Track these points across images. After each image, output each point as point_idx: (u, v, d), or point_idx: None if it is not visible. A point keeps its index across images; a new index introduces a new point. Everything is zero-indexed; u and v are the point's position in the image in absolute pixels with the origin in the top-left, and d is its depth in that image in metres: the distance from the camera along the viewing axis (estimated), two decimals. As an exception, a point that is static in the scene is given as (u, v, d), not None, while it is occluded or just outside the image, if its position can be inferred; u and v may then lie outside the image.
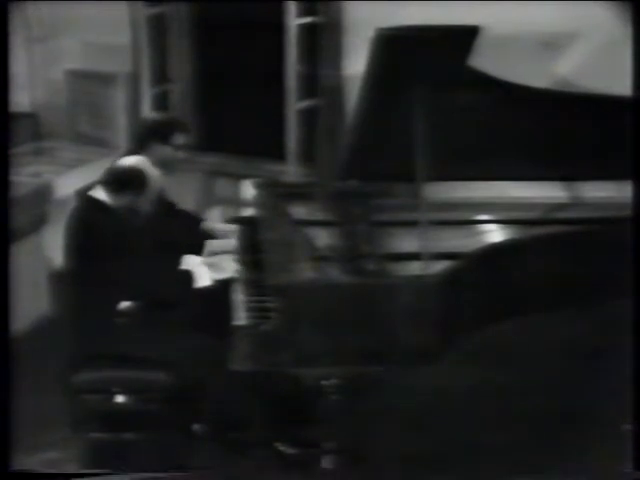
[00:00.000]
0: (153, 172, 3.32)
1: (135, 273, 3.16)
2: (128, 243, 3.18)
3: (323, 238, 3.29)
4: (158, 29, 5.34)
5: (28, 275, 4.19)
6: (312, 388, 2.93)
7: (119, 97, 5.36)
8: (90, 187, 3.37)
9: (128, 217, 3.25)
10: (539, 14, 4.05)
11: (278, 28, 4.87)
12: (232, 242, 3.56)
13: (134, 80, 5.34)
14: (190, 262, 3.37)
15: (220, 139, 5.28)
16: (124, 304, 3.27)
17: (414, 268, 2.96)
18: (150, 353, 3.17)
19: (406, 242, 3.19)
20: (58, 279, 4.43)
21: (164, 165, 3.57)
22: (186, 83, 5.45)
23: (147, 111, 5.37)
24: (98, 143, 5.39)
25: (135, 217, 3.27)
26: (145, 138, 3.63)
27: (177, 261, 3.38)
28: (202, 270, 3.27)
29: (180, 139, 3.65)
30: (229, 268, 3.27)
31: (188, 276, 3.25)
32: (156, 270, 3.25)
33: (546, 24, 4.12)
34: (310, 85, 4.89)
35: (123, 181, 3.25)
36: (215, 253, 3.53)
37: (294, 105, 4.96)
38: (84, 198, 3.34)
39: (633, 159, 2.91)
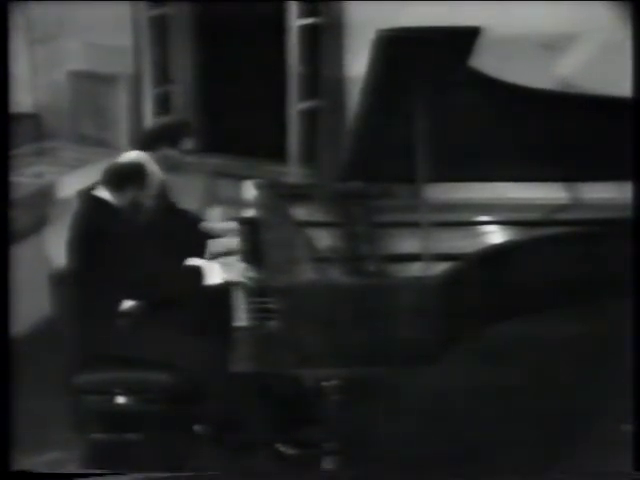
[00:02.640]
0: (153, 167, 3.32)
1: (139, 271, 3.16)
2: (131, 241, 3.19)
3: (324, 239, 3.29)
4: (160, 30, 5.34)
5: (29, 276, 4.19)
6: (313, 389, 2.94)
7: (121, 98, 5.37)
8: (92, 187, 3.38)
9: (130, 214, 3.25)
10: (540, 15, 4.05)
11: (280, 29, 4.88)
12: (233, 242, 3.57)
13: (136, 81, 5.35)
14: (196, 261, 3.37)
15: (221, 140, 5.28)
16: (127, 304, 3.27)
17: (415, 269, 2.96)
18: (152, 354, 3.18)
19: (407, 243, 3.19)
20: (60, 279, 4.43)
21: (170, 167, 3.57)
22: (188, 84, 5.45)
23: (149, 112, 5.38)
24: (100, 144, 5.39)
25: (137, 214, 3.27)
26: (154, 140, 3.64)
27: (181, 259, 3.37)
28: (214, 267, 3.27)
29: (188, 143, 3.65)
30: (238, 269, 3.27)
31: (198, 272, 3.24)
32: (160, 268, 3.24)
33: (547, 25, 4.12)
34: (311, 86, 4.89)
35: (123, 177, 3.25)
36: (218, 254, 3.53)
37: (295, 106, 4.96)
38: (86, 197, 3.34)
39: (633, 160, 2.91)
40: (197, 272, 3.24)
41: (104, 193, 3.27)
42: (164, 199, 3.55)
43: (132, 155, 3.37)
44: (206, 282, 3.22)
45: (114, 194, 3.25)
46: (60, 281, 4.32)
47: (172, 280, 3.27)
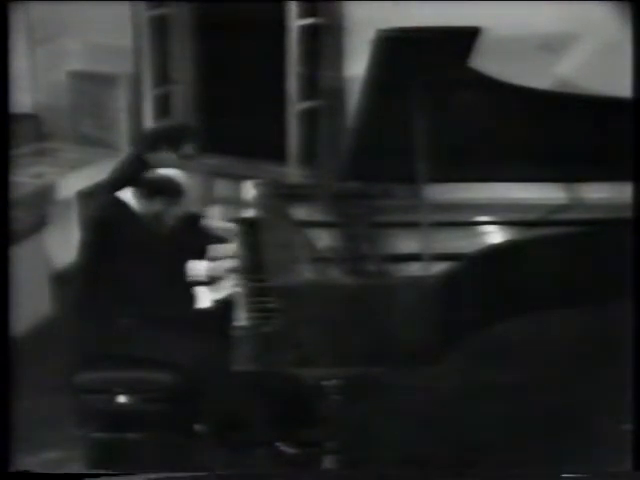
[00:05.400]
0: (187, 187, 3.35)
1: (145, 281, 3.17)
2: (144, 249, 3.19)
3: (324, 239, 3.30)
4: (160, 30, 5.34)
5: (29, 276, 4.20)
6: (313, 388, 2.94)
7: (121, 98, 5.37)
8: (115, 188, 3.40)
9: (152, 224, 3.28)
10: (539, 15, 4.06)
11: (279, 29, 4.88)
12: (233, 243, 3.57)
13: (136, 81, 5.35)
14: (196, 268, 3.38)
15: (221, 140, 5.28)
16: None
17: (415, 269, 2.96)
18: (153, 354, 3.18)
19: (407, 243, 3.19)
20: (66, 276, 4.44)
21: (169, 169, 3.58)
22: (187, 84, 5.45)
23: (149, 112, 5.38)
24: (100, 144, 5.39)
25: (158, 226, 3.29)
26: (154, 143, 3.64)
27: (186, 275, 3.37)
28: (202, 292, 3.28)
29: (189, 148, 3.65)
30: (228, 287, 3.28)
31: (191, 297, 3.26)
32: (165, 283, 3.24)
33: (546, 25, 4.12)
34: (311, 86, 4.89)
35: (158, 188, 3.28)
36: (218, 257, 3.53)
37: (295, 106, 4.96)
38: (110, 198, 3.34)
39: (633, 160, 2.91)
40: (196, 294, 3.25)
41: (129, 198, 3.28)
42: (187, 218, 3.55)
43: (171, 171, 3.40)
44: (204, 303, 3.23)
45: (142, 202, 3.28)
46: (65, 279, 4.34)
47: (175, 298, 3.27)
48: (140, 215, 3.30)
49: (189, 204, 3.69)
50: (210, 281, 3.36)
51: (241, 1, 4.99)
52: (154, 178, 3.35)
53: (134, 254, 3.17)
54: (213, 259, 3.50)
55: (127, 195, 3.32)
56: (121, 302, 3.22)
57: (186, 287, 3.31)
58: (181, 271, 3.37)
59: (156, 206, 3.30)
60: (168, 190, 3.31)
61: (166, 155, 3.59)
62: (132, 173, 3.57)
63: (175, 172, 3.40)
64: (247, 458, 3.26)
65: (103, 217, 3.34)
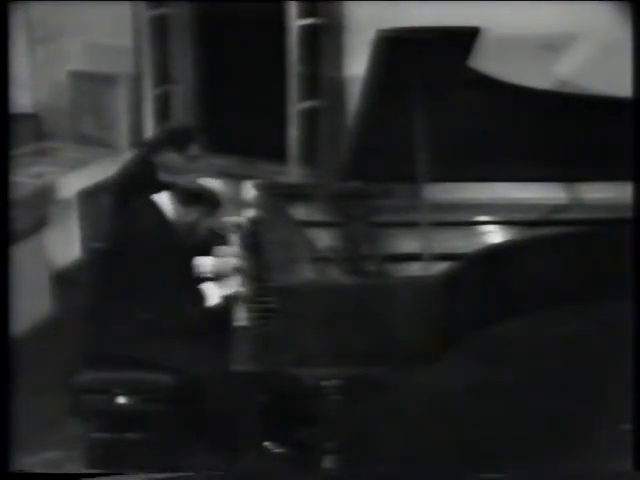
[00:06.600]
0: (226, 201, 3.35)
1: (160, 283, 3.16)
2: (167, 253, 3.19)
3: (324, 239, 3.30)
4: (160, 30, 5.34)
5: (29, 276, 4.20)
6: (312, 388, 2.93)
7: (121, 98, 5.37)
8: (107, 188, 3.38)
9: (185, 233, 3.26)
10: (539, 15, 4.06)
11: (279, 29, 4.88)
12: (233, 245, 3.57)
13: (136, 81, 5.35)
14: (203, 263, 3.39)
15: (221, 140, 5.28)
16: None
17: (414, 269, 2.96)
18: (152, 354, 3.18)
19: (407, 243, 3.19)
20: (75, 275, 4.44)
21: (173, 171, 3.57)
22: (188, 84, 5.45)
23: (149, 112, 5.38)
24: (100, 144, 5.40)
25: (189, 235, 3.29)
26: (159, 145, 3.63)
27: (193, 276, 3.37)
28: (211, 290, 3.28)
29: (194, 149, 3.65)
30: (230, 288, 3.28)
31: (201, 298, 3.25)
32: (176, 284, 3.24)
33: (546, 25, 4.13)
34: (311, 86, 4.90)
35: (197, 198, 3.27)
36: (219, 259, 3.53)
37: (295, 106, 4.96)
38: (145, 202, 3.32)
39: (633, 160, 2.92)
40: (206, 292, 3.24)
41: (164, 201, 3.27)
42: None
43: (215, 183, 3.39)
44: (213, 300, 3.23)
45: (178, 209, 3.26)
46: (73, 278, 4.34)
47: (187, 303, 3.27)
48: (171, 221, 3.27)
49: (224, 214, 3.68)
50: (214, 281, 3.35)
51: (241, 1, 4.99)
52: (194, 187, 3.33)
53: (156, 257, 3.16)
54: (216, 259, 3.50)
55: (163, 200, 3.30)
56: (136, 304, 3.22)
57: (194, 288, 3.30)
58: (189, 272, 3.37)
59: (193, 215, 3.29)
60: (207, 200, 3.30)
61: (171, 156, 3.58)
62: (136, 175, 3.57)
63: (215, 182, 3.38)
64: (246, 458, 3.26)
65: (135, 219, 3.30)
